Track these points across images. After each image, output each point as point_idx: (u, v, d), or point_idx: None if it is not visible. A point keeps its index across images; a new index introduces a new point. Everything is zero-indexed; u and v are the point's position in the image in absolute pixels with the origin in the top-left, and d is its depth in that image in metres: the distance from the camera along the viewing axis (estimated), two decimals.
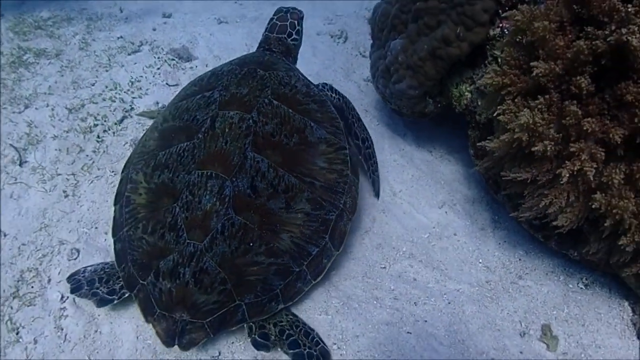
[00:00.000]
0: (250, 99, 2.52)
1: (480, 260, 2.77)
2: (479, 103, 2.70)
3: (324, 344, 2.22)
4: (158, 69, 4.33)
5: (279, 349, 2.22)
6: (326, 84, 3.18)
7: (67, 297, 2.45)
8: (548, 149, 1.97)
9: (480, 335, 2.36)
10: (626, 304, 2.51)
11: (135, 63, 4.40)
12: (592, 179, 1.94)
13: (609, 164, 1.98)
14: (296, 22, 3.17)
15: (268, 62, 2.86)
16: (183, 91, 2.89)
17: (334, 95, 3.15)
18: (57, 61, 4.38)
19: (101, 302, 2.30)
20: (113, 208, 2.50)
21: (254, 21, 5.44)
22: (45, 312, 2.40)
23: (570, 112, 1.95)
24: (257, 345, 2.16)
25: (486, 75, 2.31)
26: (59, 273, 2.57)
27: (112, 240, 2.60)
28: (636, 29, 1.79)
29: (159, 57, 4.51)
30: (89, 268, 2.48)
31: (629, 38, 1.77)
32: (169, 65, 4.41)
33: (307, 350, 2.15)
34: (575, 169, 1.94)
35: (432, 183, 3.30)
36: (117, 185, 2.60)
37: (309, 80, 2.94)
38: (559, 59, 2.04)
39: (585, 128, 1.91)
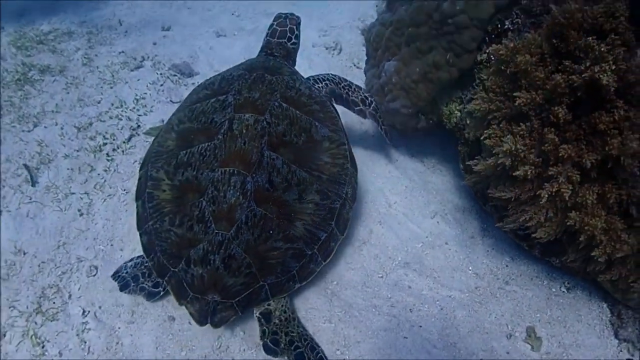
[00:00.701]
0: (262, 102, 2.74)
1: (470, 268, 2.96)
2: (468, 122, 2.89)
3: (327, 359, 2.43)
4: (161, 85, 4.45)
5: (286, 357, 2.41)
6: (310, 77, 3.37)
7: (89, 311, 2.63)
8: (529, 173, 2.17)
9: (470, 338, 2.56)
10: (605, 305, 2.72)
11: (139, 79, 4.51)
12: (567, 199, 2.15)
13: (583, 185, 2.19)
14: (295, 27, 3.39)
15: (273, 67, 3.07)
16: (194, 94, 3.06)
17: (320, 85, 3.34)
18: (61, 78, 4.48)
19: (150, 296, 2.57)
20: (135, 204, 2.67)
21: (251, 34, 5.54)
22: (68, 327, 2.56)
23: (549, 139, 2.15)
24: (267, 350, 2.38)
25: (474, 101, 2.51)
26: (79, 289, 2.73)
27: (130, 250, 2.77)
28: (607, 67, 1.99)
29: (161, 73, 4.62)
30: (129, 264, 2.68)
31: (601, 76, 1.98)
32: (172, 81, 4.53)
33: None
34: (554, 190, 2.15)
35: (424, 194, 3.48)
36: (132, 190, 2.71)
37: (309, 82, 3.18)
38: (539, 89, 2.24)
39: (561, 154, 2.12)
